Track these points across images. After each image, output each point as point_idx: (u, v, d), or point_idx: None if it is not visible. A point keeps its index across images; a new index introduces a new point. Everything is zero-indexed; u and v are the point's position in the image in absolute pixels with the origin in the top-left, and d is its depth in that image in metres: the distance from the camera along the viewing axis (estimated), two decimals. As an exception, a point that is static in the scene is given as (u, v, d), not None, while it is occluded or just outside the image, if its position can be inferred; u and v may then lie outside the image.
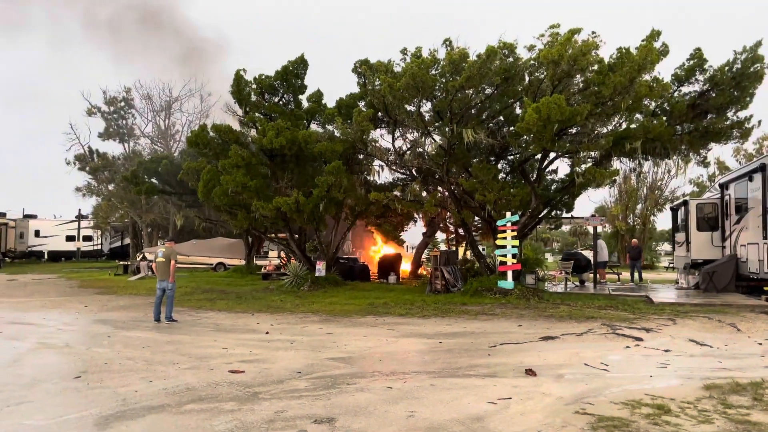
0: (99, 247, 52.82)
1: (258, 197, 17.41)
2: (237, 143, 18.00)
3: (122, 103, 43.66)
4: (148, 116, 44.85)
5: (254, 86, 18.95)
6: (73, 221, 51.05)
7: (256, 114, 18.76)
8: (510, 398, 6.35)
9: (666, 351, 9.10)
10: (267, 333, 11.29)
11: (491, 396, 6.43)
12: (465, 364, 8.26)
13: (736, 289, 16.76)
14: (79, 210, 51.05)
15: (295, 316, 13.88)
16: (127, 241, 47.72)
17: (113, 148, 74.92)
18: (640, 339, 10.16)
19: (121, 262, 32.46)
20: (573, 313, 13.21)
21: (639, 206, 46.92)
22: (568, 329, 11.33)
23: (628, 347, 9.53)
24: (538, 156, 17.14)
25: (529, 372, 7.60)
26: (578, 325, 11.86)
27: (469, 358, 8.81)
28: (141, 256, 30.11)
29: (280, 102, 19.52)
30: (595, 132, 15.54)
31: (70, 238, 50.60)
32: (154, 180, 27.14)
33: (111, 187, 43.08)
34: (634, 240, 26.76)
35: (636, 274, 22.59)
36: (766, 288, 14.97)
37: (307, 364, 8.26)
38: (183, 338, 10.81)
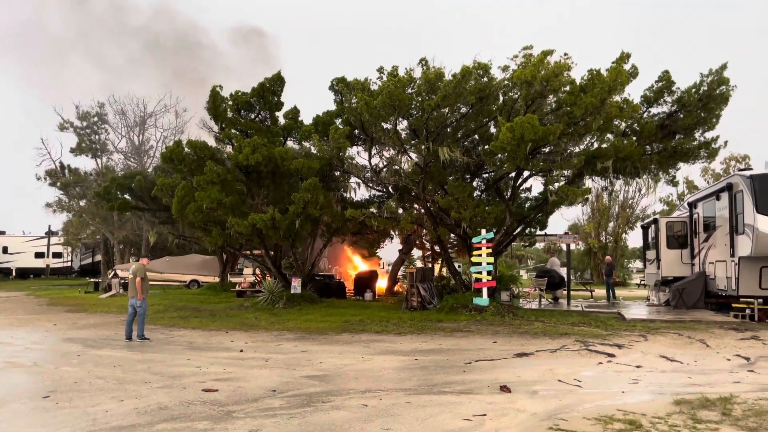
0: (69, 264, 51.76)
1: (233, 214, 17.30)
2: (212, 159, 17.89)
3: (95, 118, 43.07)
4: (122, 131, 44.33)
5: (230, 102, 18.92)
6: (42, 237, 50.01)
7: (232, 130, 18.71)
8: (485, 415, 6.38)
9: (637, 367, 9.23)
10: (241, 351, 11.16)
11: (466, 413, 6.46)
12: (440, 381, 8.27)
13: (706, 306, 17.11)
14: (49, 226, 50.10)
15: (269, 333, 13.76)
16: (98, 258, 46.87)
17: (85, 164, 73.81)
18: (612, 355, 10.30)
19: (92, 280, 31.87)
20: (547, 330, 13.34)
21: (611, 224, 47.74)
22: (542, 346, 11.43)
23: (600, 363, 9.65)
24: (513, 174, 17.38)
25: (504, 388, 7.64)
26: (552, 341, 11.97)
27: (445, 375, 8.83)
28: (112, 273, 29.59)
29: (257, 118, 19.51)
30: (568, 151, 15.84)
31: (39, 255, 49.52)
32: (127, 196, 26.76)
33: (82, 203, 42.34)
34: (608, 257, 27.16)
35: (610, 291, 22.93)
36: (734, 305, 15.29)
37: (281, 382, 8.19)
38: (155, 357, 10.63)
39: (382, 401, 7.02)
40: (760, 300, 15.10)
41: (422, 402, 7.00)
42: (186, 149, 18.61)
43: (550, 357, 10.33)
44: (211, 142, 19.55)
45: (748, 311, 14.93)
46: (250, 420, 6.20)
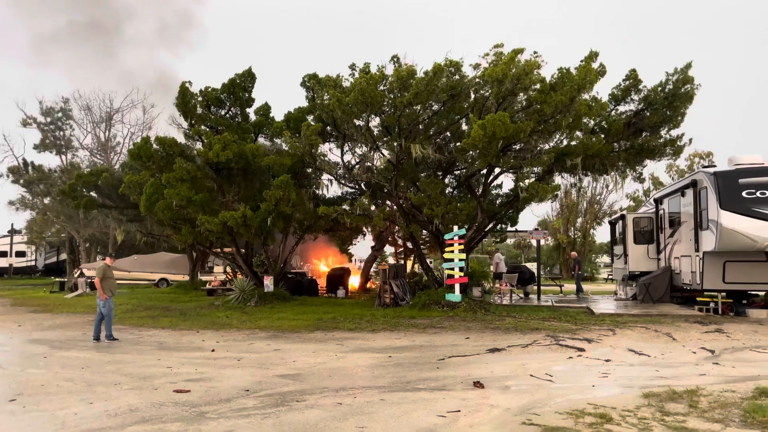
0: (33, 263, 50.51)
1: (204, 211, 17.08)
2: (182, 156, 17.63)
3: (60, 114, 42.03)
4: (88, 128, 43.35)
5: (200, 98, 18.65)
6: (5, 236, 48.67)
7: (202, 127, 18.44)
8: (459, 411, 6.42)
9: (607, 361, 9.41)
10: (213, 350, 11.04)
11: (440, 409, 6.49)
12: (414, 378, 8.30)
13: (671, 300, 17.53)
14: (12, 224, 48.79)
15: (241, 332, 13.62)
16: (64, 256, 45.81)
17: (50, 160, 72.16)
18: (582, 350, 10.47)
19: (57, 279, 31.14)
20: (518, 325, 13.49)
21: (579, 220, 48.56)
22: (514, 341, 11.56)
23: (571, 358, 9.80)
24: (484, 171, 17.53)
25: (477, 384, 7.71)
26: (523, 336, 12.12)
27: (419, 371, 8.86)
28: (78, 272, 28.96)
29: (227, 115, 19.27)
30: (538, 148, 16.04)
31: (1, 254, 48.22)
32: (93, 193, 26.17)
33: (47, 200, 41.33)
34: (573, 253, 27.57)
35: (577, 285, 23.34)
36: (698, 298, 15.70)
37: (254, 381, 8.12)
38: (125, 357, 10.44)
39: (357, 399, 7.02)
40: (724, 294, 15.54)
41: (396, 399, 7.01)
42: (155, 146, 18.29)
43: (522, 352, 10.46)
44: (181, 138, 19.27)
45: (712, 305, 15.33)
46: (224, 421, 6.13)
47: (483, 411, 6.44)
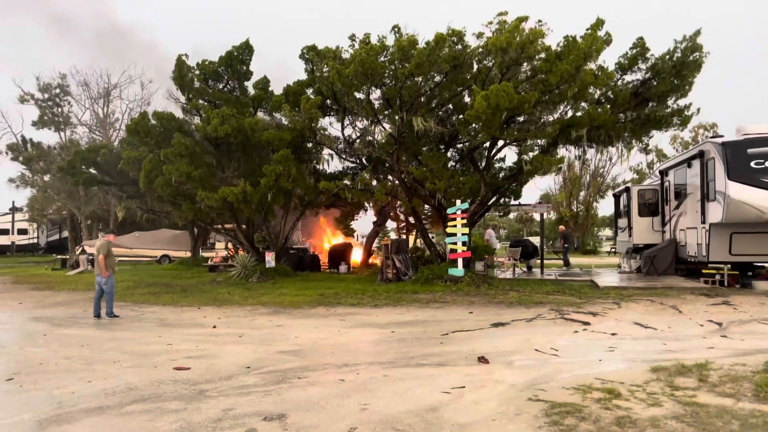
0: (35, 240, 50.52)
1: (203, 187, 16.87)
2: (180, 131, 17.34)
3: (57, 90, 41.52)
4: (86, 104, 42.87)
5: (197, 72, 18.29)
6: (6, 214, 48.61)
7: (200, 101, 18.13)
8: (464, 387, 6.30)
9: (613, 334, 9.28)
10: (214, 327, 10.94)
11: (445, 385, 6.37)
12: (418, 354, 8.19)
13: (676, 272, 17.37)
14: (13, 202, 48.69)
15: (243, 308, 13.54)
16: (66, 234, 45.76)
17: (48, 137, 71.80)
18: (587, 323, 10.35)
19: (59, 256, 31.09)
20: (522, 299, 13.37)
21: (582, 193, 48.29)
22: (518, 315, 11.44)
23: (576, 332, 9.68)
24: (487, 144, 17.24)
25: (482, 360, 7.58)
26: (527, 310, 12.00)
27: (422, 347, 8.75)
28: (80, 250, 28.89)
29: (225, 89, 18.92)
30: (542, 120, 15.73)
31: (3, 232, 48.24)
32: (92, 170, 25.93)
33: (47, 177, 41.11)
34: (561, 226, 27.35)
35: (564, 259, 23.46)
36: (704, 270, 15.53)
37: (256, 358, 8.01)
38: (125, 335, 10.35)
39: (359, 376, 6.90)
40: (729, 266, 15.37)
41: (400, 375, 6.89)
42: (152, 121, 18.00)
43: (526, 326, 10.34)
44: (179, 113, 18.95)
45: (717, 277, 15.18)
46: (224, 398, 6.02)
47: (488, 387, 6.32)
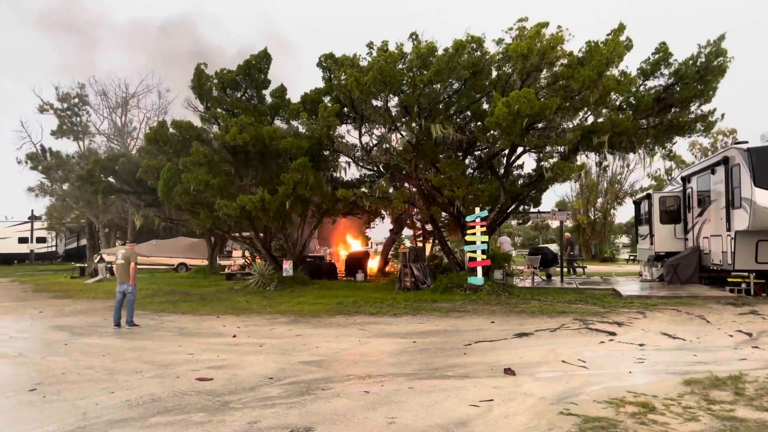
0: (54, 249, 51.01)
1: (221, 195, 16.88)
2: (198, 140, 17.40)
3: (76, 100, 42.05)
4: (104, 113, 43.37)
5: (216, 81, 18.35)
6: (25, 222, 49.15)
7: (218, 110, 18.18)
8: (492, 400, 6.16)
9: (640, 345, 9.08)
10: (234, 336, 10.88)
11: (472, 398, 6.23)
12: (442, 365, 8.05)
13: (699, 281, 17.05)
14: (32, 211, 49.21)
15: (262, 317, 13.48)
16: (84, 242, 46.18)
17: (67, 147, 72.61)
18: (613, 333, 10.14)
19: (78, 265, 31.32)
20: (544, 309, 13.17)
21: (600, 200, 47.82)
22: (541, 325, 11.25)
23: (602, 342, 9.48)
24: (506, 151, 17.09)
25: (508, 371, 7.43)
26: (550, 320, 11.80)
27: (445, 357, 8.61)
28: (98, 258, 29.08)
29: (243, 97, 18.96)
30: (562, 126, 15.56)
31: (22, 240, 48.73)
32: (111, 179, 26.15)
33: (65, 186, 41.55)
34: (567, 234, 27.09)
35: (571, 267, 23.26)
36: (729, 279, 15.22)
37: (278, 368, 7.92)
38: (146, 344, 10.32)
39: (384, 387, 6.78)
40: (754, 274, 15.05)
41: (425, 387, 6.77)
42: (171, 130, 18.09)
43: (550, 336, 10.16)
44: (197, 122, 19.02)
45: (743, 285, 14.86)
46: (249, 411, 5.93)
47: (517, 400, 6.18)
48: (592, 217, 47.54)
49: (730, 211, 14.66)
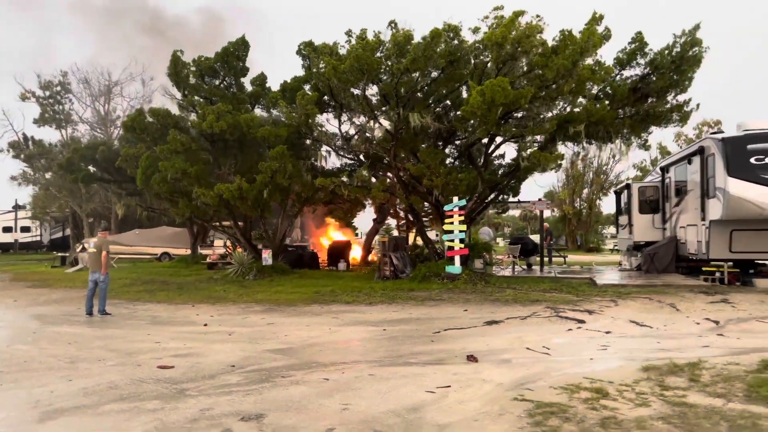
0: (38, 238, 50.58)
1: (199, 184, 16.76)
2: (176, 128, 17.22)
3: (58, 88, 41.56)
4: (87, 101, 42.88)
5: (193, 68, 18.17)
6: (9, 212, 48.69)
7: (196, 97, 18.01)
8: (449, 386, 6.17)
9: (607, 333, 9.14)
10: (205, 325, 10.84)
11: (430, 385, 6.24)
12: (407, 352, 8.07)
13: (676, 270, 17.16)
14: (16, 200, 48.75)
15: (237, 306, 13.44)
16: (69, 231, 45.79)
17: (50, 135, 71.87)
18: (582, 321, 10.20)
19: (59, 254, 31.07)
20: (518, 297, 13.22)
21: (585, 191, 48.03)
22: (512, 313, 11.30)
23: (570, 330, 9.54)
24: (485, 140, 17.07)
25: (471, 358, 7.46)
26: (523, 308, 11.85)
27: (412, 345, 8.63)
28: (80, 247, 28.86)
29: (221, 85, 18.79)
30: (541, 116, 15.56)
31: (7, 230, 48.31)
32: (91, 167, 25.89)
33: (48, 175, 41.13)
34: (546, 224, 27.23)
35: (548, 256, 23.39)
36: (704, 268, 15.34)
37: (243, 357, 7.90)
38: (115, 332, 10.26)
39: (345, 374, 6.78)
40: (731, 263, 15.17)
41: (386, 374, 6.77)
42: (148, 118, 17.89)
43: (520, 324, 10.20)
44: (175, 110, 18.84)
45: (717, 275, 14.98)
46: (204, 398, 5.90)
47: (474, 386, 6.19)
48: (578, 207, 47.79)
49: (705, 201, 14.74)
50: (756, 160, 13.29)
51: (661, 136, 77.79)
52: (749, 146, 13.37)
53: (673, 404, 5.30)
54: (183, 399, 5.89)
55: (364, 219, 35.88)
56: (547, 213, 50.40)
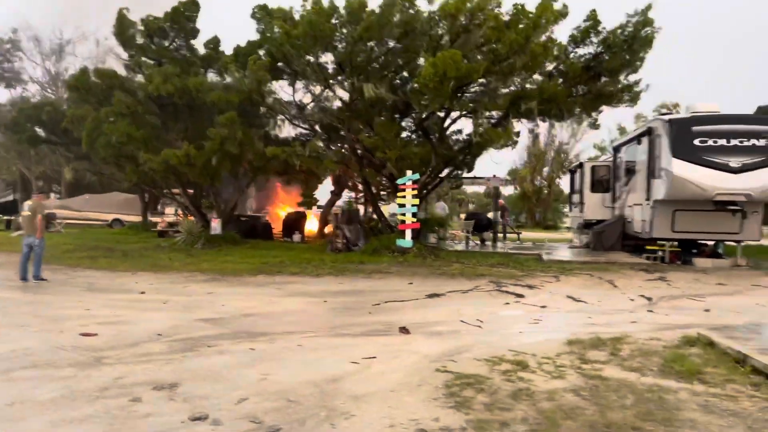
0: (-12, 201, 48.72)
1: (146, 149, 16.26)
2: (122, 90, 16.62)
3: (8, 45, 39.67)
4: (37, 60, 41.10)
5: (141, 28, 17.48)
6: (-47, 173, 46.62)
7: (144, 58, 17.36)
8: (375, 357, 6.14)
9: (543, 307, 9.26)
10: (142, 293, 10.59)
11: (357, 356, 6.19)
12: (342, 323, 8.03)
13: (623, 249, 17.53)
14: (-38, 161, 46.62)
15: (180, 275, 13.18)
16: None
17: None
18: (521, 296, 10.32)
19: (5, 217, 29.99)
20: (465, 271, 13.31)
21: (546, 169, 48.65)
22: (456, 287, 11.36)
23: (507, 303, 9.64)
24: (442, 114, 16.98)
25: (403, 330, 7.45)
26: (467, 282, 11.94)
27: (350, 317, 8.59)
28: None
29: (171, 46, 18.14)
30: (498, 92, 15.50)
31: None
32: (37, 128, 24.87)
33: (-2, 136, 39.43)
34: (501, 201, 27.64)
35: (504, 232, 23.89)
36: (648, 247, 15.71)
37: (172, 325, 7.72)
38: (46, 299, 9.95)
39: (273, 345, 6.69)
40: (675, 243, 15.57)
41: (315, 345, 6.71)
42: (93, 78, 17.19)
43: (461, 298, 10.27)
44: (123, 71, 18.12)
45: (660, 253, 15.37)
46: (120, 366, 5.74)
47: (401, 357, 6.18)
48: (538, 185, 48.46)
49: (650, 181, 15.02)
50: (700, 141, 13.56)
51: (622, 117, 79.08)
52: (694, 128, 13.62)
53: (588, 377, 5.37)
54: (98, 367, 5.71)
55: (326, 191, 35.55)
56: (510, 190, 51.08)
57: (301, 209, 24.96)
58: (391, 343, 6.84)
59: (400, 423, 4.29)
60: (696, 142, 13.50)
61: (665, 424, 4.17)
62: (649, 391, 4.96)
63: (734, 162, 13.32)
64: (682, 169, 13.50)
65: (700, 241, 16.45)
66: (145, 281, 12.14)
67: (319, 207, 29.06)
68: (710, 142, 13.44)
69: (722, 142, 13.43)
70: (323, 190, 33.53)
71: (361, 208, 24.92)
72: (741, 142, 13.34)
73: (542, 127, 43.08)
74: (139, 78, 17.60)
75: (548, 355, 6.18)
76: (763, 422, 4.25)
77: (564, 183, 50.19)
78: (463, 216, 25.95)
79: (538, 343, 6.80)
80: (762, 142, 13.44)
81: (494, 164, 65.89)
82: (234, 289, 11.35)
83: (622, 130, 41.39)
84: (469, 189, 52.58)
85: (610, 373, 5.52)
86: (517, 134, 18.89)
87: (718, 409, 4.51)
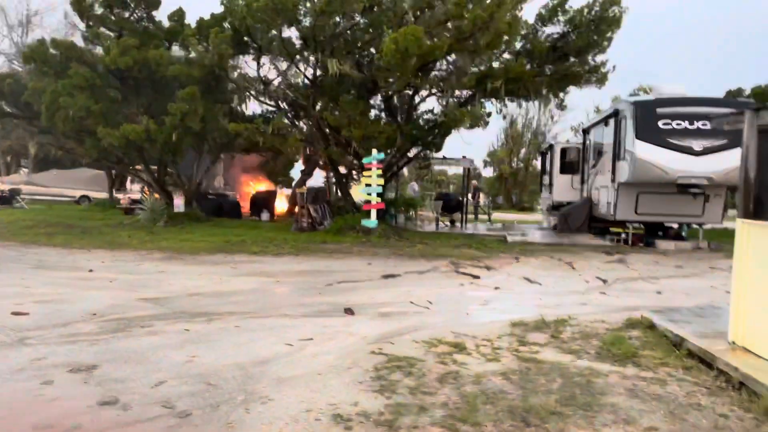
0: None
1: (105, 123, 15.78)
2: (80, 62, 16.05)
3: (-28, 14, 38.27)
4: (3, 31, 39.76)
5: (99, -3, 16.88)
6: None
7: (102, 29, 16.77)
8: (311, 339, 5.99)
9: (496, 288, 9.19)
10: (91, 271, 10.30)
11: (293, 337, 6.04)
12: (288, 303, 7.87)
13: (590, 230, 17.57)
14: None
15: (137, 253, 12.87)
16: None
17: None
18: (477, 277, 10.25)
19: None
20: (426, 252, 13.20)
21: (523, 150, 48.68)
22: (413, 267, 11.25)
23: (462, 285, 9.55)
24: (410, 93, 16.74)
25: (348, 311, 7.31)
26: (426, 263, 11.83)
27: (298, 297, 8.44)
28: (-11, 187, 27.15)
29: (131, 18, 17.54)
30: (465, 71, 15.27)
31: None
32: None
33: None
34: (474, 182, 27.68)
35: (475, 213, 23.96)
36: (611, 229, 15.74)
37: (110, 305, 7.47)
38: (-12, 276, 9.61)
39: (209, 326, 6.50)
40: (641, 225, 15.61)
41: (254, 326, 6.53)
42: (51, 49, 16.59)
43: (416, 279, 10.15)
44: (81, 42, 17.51)
45: (623, 235, 15.42)
46: (42, 347, 5.50)
47: (338, 339, 6.04)
48: (515, 167, 48.49)
49: (615, 163, 14.99)
50: (664, 124, 13.53)
51: (599, 98, 79.36)
52: (658, 110, 13.58)
53: (522, 360, 5.28)
54: (19, 347, 5.48)
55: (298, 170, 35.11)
56: (489, 172, 51.07)
57: (271, 188, 24.61)
58: (331, 324, 6.68)
59: (318, 408, 4.14)
60: (660, 124, 13.46)
61: (585, 408, 4.08)
62: (580, 374, 4.87)
63: (697, 145, 13.32)
64: (646, 151, 13.48)
65: (666, 224, 16.54)
66: (98, 259, 11.83)
67: (292, 186, 28.74)
68: (674, 125, 13.42)
69: (685, 124, 13.41)
70: (298, 169, 33.14)
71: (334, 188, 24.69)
72: (704, 125, 13.32)
73: (521, 109, 43.09)
74: (99, 50, 17.01)
75: (489, 337, 6.08)
76: (686, 407, 4.19)
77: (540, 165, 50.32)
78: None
79: (482, 324, 6.72)
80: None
81: (466, 145, 65.73)
82: (188, 267, 11.10)
83: (598, 112, 41.49)
84: (450, 171, 52.42)
85: (545, 356, 5.44)
86: (489, 115, 18.77)
87: (643, 393, 4.44)
